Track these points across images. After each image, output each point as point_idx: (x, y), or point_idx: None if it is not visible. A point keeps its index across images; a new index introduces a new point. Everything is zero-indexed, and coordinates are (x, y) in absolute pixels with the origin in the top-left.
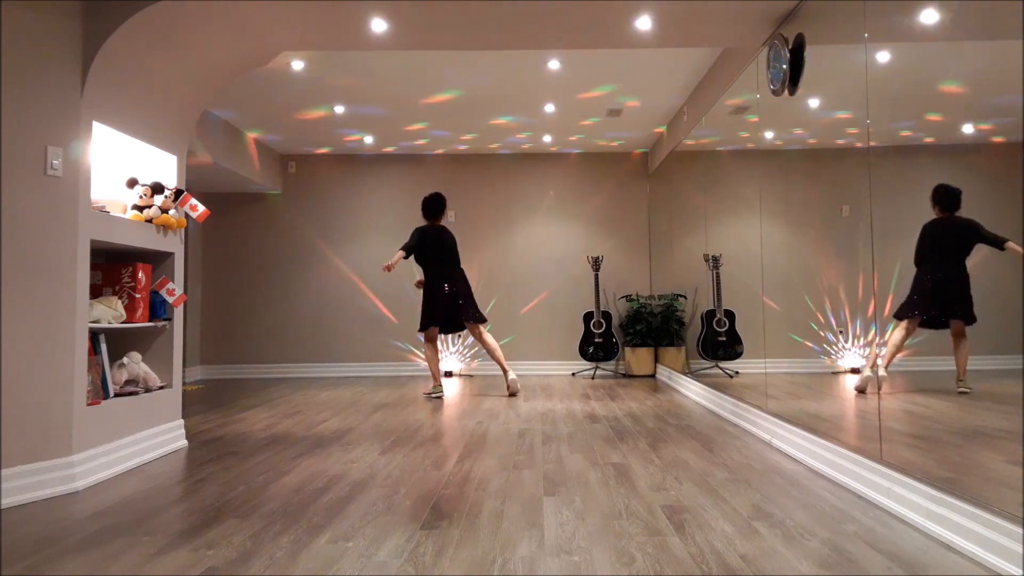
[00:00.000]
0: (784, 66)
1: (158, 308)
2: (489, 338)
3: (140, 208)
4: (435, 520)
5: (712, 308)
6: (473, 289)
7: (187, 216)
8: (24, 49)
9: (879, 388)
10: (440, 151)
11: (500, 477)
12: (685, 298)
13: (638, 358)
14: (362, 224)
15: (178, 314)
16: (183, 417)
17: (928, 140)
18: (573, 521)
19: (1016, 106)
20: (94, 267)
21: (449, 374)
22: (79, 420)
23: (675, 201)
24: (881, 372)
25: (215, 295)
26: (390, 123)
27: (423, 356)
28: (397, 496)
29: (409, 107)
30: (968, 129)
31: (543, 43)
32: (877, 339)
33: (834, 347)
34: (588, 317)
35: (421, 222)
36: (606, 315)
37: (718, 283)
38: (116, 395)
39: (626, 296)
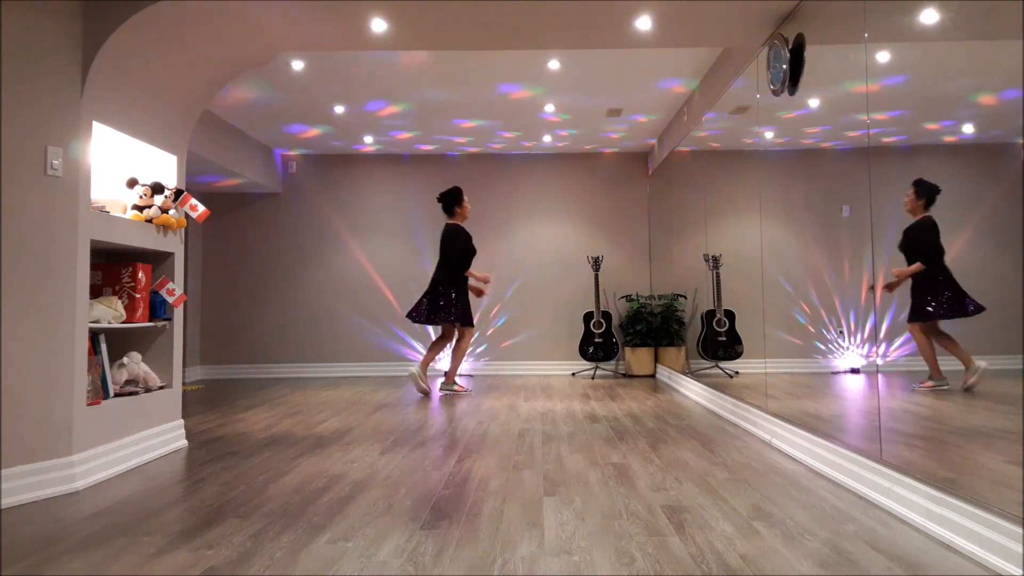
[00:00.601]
0: (784, 66)
1: (158, 308)
2: (461, 341)
3: (140, 208)
4: (435, 520)
5: (712, 308)
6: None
7: (187, 216)
8: (24, 49)
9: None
10: (440, 151)
11: (500, 477)
12: (685, 298)
13: (638, 358)
14: (362, 224)
15: (178, 314)
16: (183, 417)
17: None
18: (573, 521)
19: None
20: (94, 267)
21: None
22: (79, 420)
23: (675, 201)
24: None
25: (215, 295)
26: (390, 123)
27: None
28: (397, 496)
29: (409, 107)
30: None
31: (543, 43)
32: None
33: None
34: (588, 317)
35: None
36: (606, 315)
37: (718, 283)
38: (116, 395)
39: (626, 296)
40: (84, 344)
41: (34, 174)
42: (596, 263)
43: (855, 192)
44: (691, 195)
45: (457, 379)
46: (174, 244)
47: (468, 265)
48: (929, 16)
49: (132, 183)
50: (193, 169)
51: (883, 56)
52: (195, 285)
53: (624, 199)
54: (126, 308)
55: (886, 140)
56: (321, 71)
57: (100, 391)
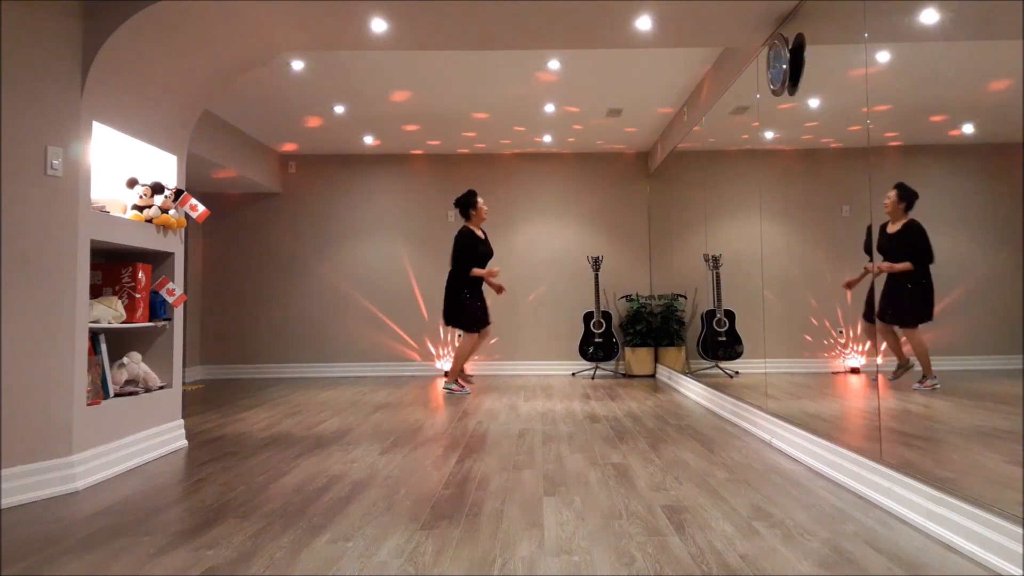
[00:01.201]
0: (784, 66)
1: (158, 308)
2: (461, 342)
3: (140, 208)
4: (435, 520)
5: (712, 308)
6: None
7: (187, 216)
8: (24, 49)
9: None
10: (440, 151)
11: (500, 477)
12: (685, 298)
13: (638, 358)
14: (362, 224)
15: (178, 314)
16: (183, 417)
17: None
18: (573, 521)
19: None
20: (94, 267)
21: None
22: (79, 420)
23: (675, 201)
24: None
25: (215, 295)
26: (390, 123)
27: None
28: (397, 496)
29: (409, 107)
30: (968, 129)
31: (543, 43)
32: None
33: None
34: (588, 317)
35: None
36: (606, 315)
37: (718, 283)
38: (116, 395)
39: (626, 296)
40: (84, 344)
41: (34, 174)
42: (596, 263)
43: (855, 192)
44: (691, 195)
45: (457, 380)
46: (174, 244)
47: (482, 267)
48: (929, 16)
49: (132, 183)
50: (193, 169)
51: (883, 56)
52: (195, 285)
53: (624, 199)
54: (126, 308)
55: (886, 140)
56: (321, 71)
57: (100, 391)
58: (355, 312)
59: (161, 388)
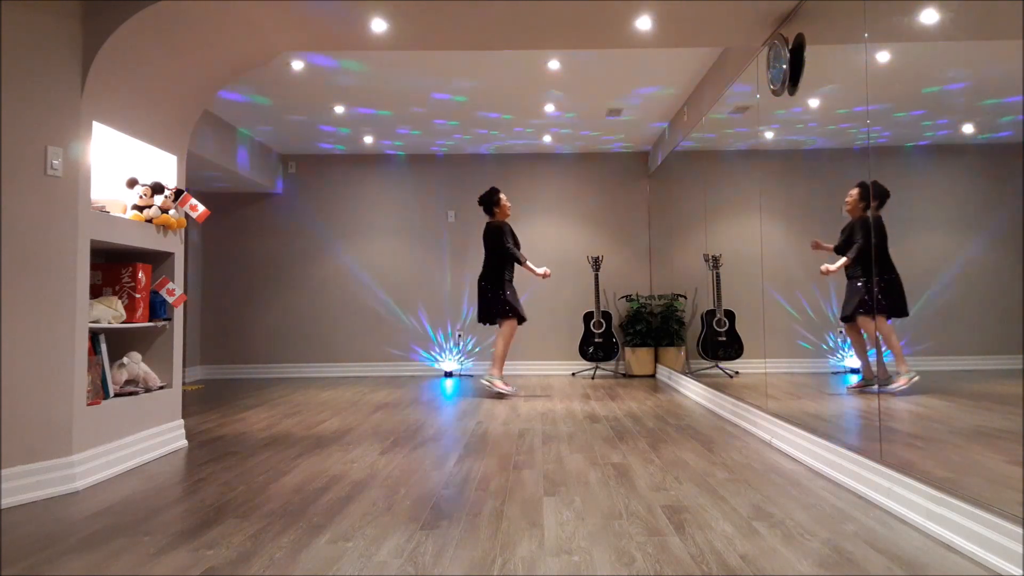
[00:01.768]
0: (784, 66)
1: (158, 308)
2: (504, 333)
3: (140, 208)
4: (435, 520)
5: (712, 308)
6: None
7: (187, 216)
8: (24, 49)
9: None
10: (440, 151)
11: (500, 477)
12: (685, 298)
13: (638, 358)
14: (362, 224)
15: (178, 314)
16: (183, 417)
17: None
18: (573, 521)
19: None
20: (94, 267)
21: (449, 374)
22: (79, 420)
23: (675, 201)
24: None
25: (215, 295)
26: (390, 123)
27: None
28: (397, 496)
29: (409, 107)
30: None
31: (543, 43)
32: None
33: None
34: (588, 317)
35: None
36: (606, 315)
37: (718, 283)
38: (116, 395)
39: (626, 296)
40: (84, 344)
41: (34, 174)
42: (596, 263)
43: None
44: (691, 195)
45: (499, 378)
46: (174, 244)
47: (510, 259)
48: (929, 16)
49: (132, 183)
50: (193, 169)
51: (883, 56)
52: (195, 285)
53: (624, 199)
54: (126, 308)
55: (885, 140)
56: (321, 71)
57: (100, 391)
58: (355, 312)
59: (161, 388)
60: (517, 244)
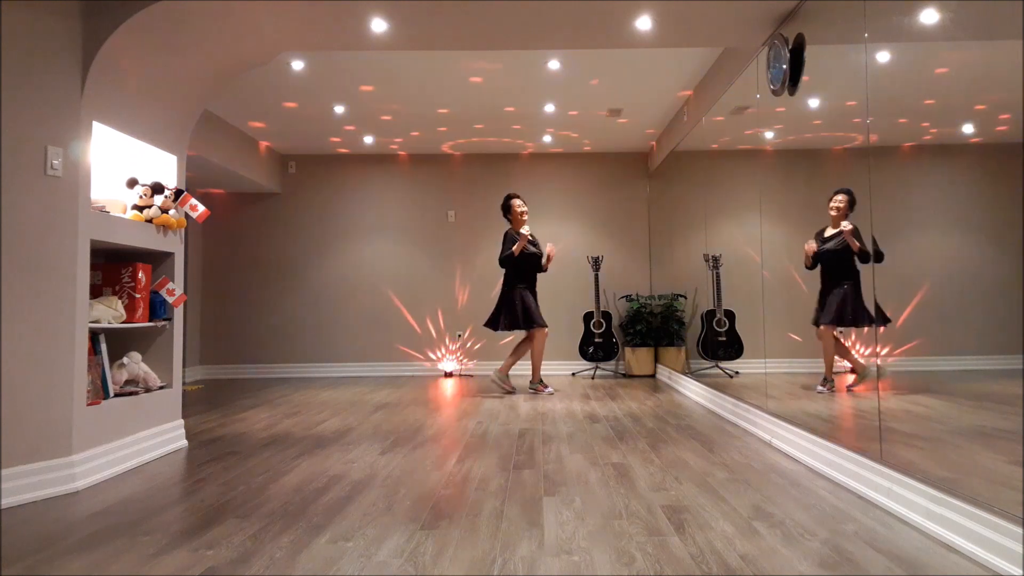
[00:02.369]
0: (784, 66)
1: (158, 308)
2: (537, 341)
3: (140, 208)
4: (435, 520)
5: (712, 308)
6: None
7: (187, 216)
8: (24, 49)
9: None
10: (440, 151)
11: (500, 477)
12: (685, 298)
13: (638, 358)
14: (362, 224)
15: (178, 314)
16: (183, 417)
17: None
18: (573, 521)
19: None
20: (94, 267)
21: (449, 375)
22: (79, 420)
23: (675, 201)
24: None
25: (215, 295)
26: (390, 123)
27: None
28: (397, 496)
29: (409, 107)
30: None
31: (543, 43)
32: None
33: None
34: (588, 317)
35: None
36: (606, 315)
37: (718, 283)
38: (116, 395)
39: (626, 296)
40: (84, 344)
41: (34, 174)
42: (596, 263)
43: (855, 192)
44: (691, 195)
45: (541, 380)
46: (174, 244)
47: (522, 267)
48: (929, 16)
49: (132, 183)
50: (193, 169)
51: (883, 56)
52: (195, 285)
53: (624, 199)
54: (126, 308)
55: (885, 140)
56: (321, 71)
57: (100, 391)
58: (355, 312)
59: (161, 388)
60: (533, 254)
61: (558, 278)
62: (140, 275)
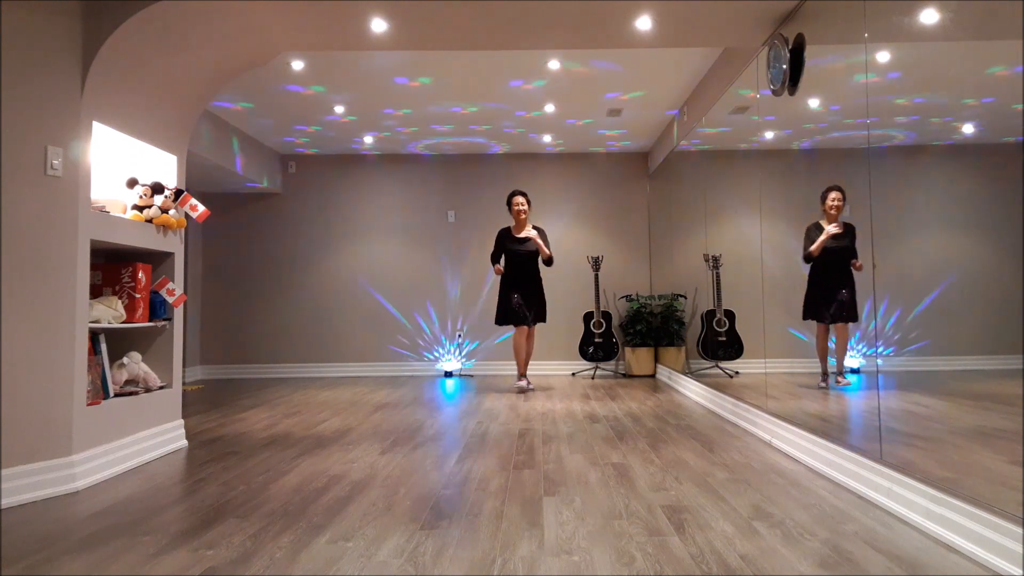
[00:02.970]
0: (784, 66)
1: (158, 308)
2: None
3: (140, 208)
4: (435, 520)
5: (712, 308)
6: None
7: (187, 216)
8: (24, 49)
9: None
10: (440, 151)
11: (500, 477)
12: (685, 298)
13: (638, 358)
14: (362, 224)
15: (178, 314)
16: (183, 417)
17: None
18: (573, 521)
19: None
20: (94, 267)
21: (449, 374)
22: (79, 420)
23: (675, 201)
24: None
25: (215, 295)
26: (390, 123)
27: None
28: (397, 496)
29: (409, 107)
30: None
31: (543, 43)
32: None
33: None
34: (588, 317)
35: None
36: (606, 315)
37: (718, 283)
38: (116, 395)
39: (626, 296)
40: (84, 344)
41: (34, 174)
42: (596, 263)
43: (855, 192)
44: (691, 195)
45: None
46: (174, 244)
47: (508, 265)
48: (929, 16)
49: (132, 183)
50: (193, 169)
51: (883, 56)
52: (195, 285)
53: (624, 199)
54: (126, 308)
55: (885, 140)
56: (321, 71)
57: (100, 391)
58: (355, 312)
59: (161, 388)
60: (523, 252)
61: (558, 278)
62: (140, 275)
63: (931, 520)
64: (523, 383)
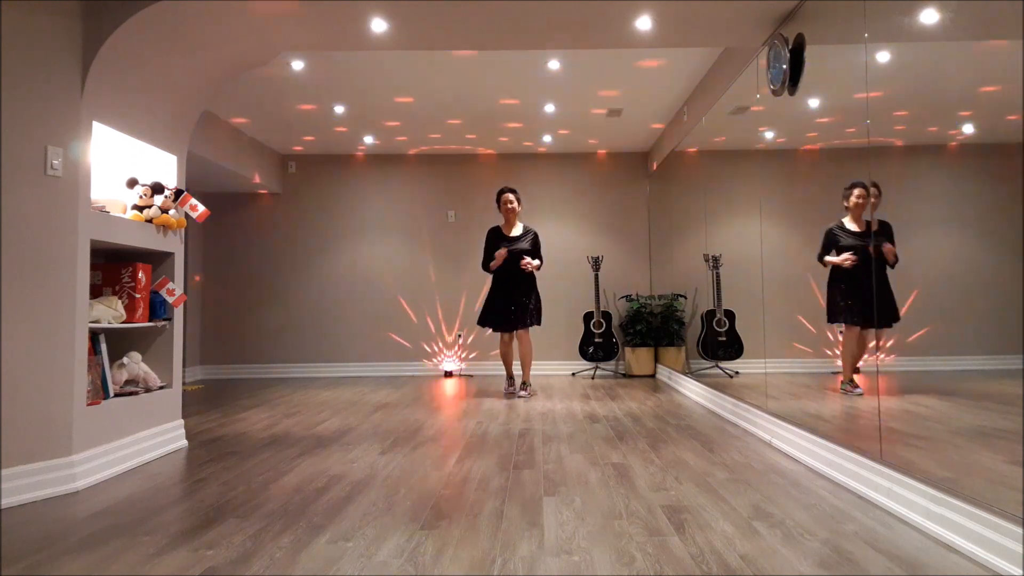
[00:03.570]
0: (784, 66)
1: (158, 308)
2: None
3: (140, 208)
4: (435, 520)
5: (712, 308)
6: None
7: (187, 216)
8: (24, 49)
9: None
10: (440, 151)
11: (500, 477)
12: (685, 298)
13: (638, 358)
14: (362, 224)
15: (178, 314)
16: (183, 417)
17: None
18: (573, 521)
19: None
20: (94, 267)
21: (449, 374)
22: (79, 420)
23: (675, 201)
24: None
25: (215, 295)
26: (390, 123)
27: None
28: (397, 496)
29: (409, 107)
30: (968, 129)
31: (543, 43)
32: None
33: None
34: (588, 317)
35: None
36: (606, 315)
37: (718, 283)
38: (116, 395)
39: (626, 296)
40: (84, 344)
41: (34, 174)
42: (596, 263)
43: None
44: (691, 195)
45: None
46: (174, 244)
47: (501, 265)
48: (929, 16)
49: (132, 183)
50: (193, 169)
51: (883, 56)
52: (195, 285)
53: (624, 199)
54: (126, 308)
55: (885, 140)
56: (321, 71)
57: (100, 391)
58: (355, 312)
59: (161, 388)
60: (494, 248)
61: (558, 278)
62: (140, 275)
63: (931, 520)
64: (512, 388)
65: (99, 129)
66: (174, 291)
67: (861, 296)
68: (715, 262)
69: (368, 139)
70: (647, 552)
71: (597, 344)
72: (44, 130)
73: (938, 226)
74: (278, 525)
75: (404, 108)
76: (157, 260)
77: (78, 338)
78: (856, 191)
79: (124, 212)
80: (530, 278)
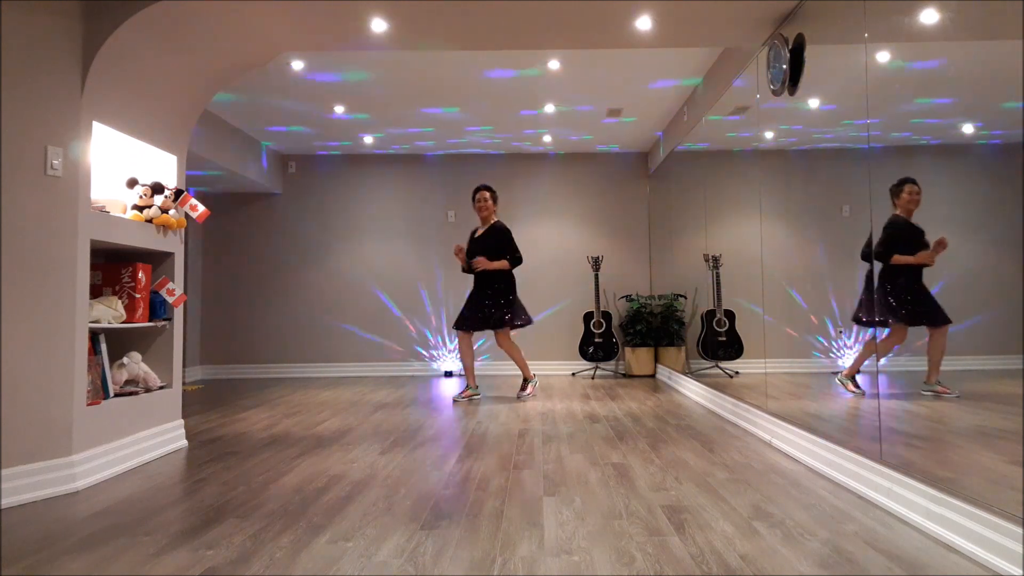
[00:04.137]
0: (784, 66)
1: (158, 308)
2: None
3: (140, 208)
4: (435, 520)
5: (712, 308)
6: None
7: (187, 216)
8: (24, 49)
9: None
10: (440, 151)
11: (500, 477)
12: (685, 298)
13: (638, 358)
14: (362, 224)
15: (178, 314)
16: (183, 417)
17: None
18: (573, 521)
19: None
20: (94, 267)
21: (449, 374)
22: (79, 420)
23: (675, 201)
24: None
25: (215, 295)
26: (390, 123)
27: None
28: (397, 496)
29: (409, 107)
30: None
31: (543, 43)
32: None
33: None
34: (588, 317)
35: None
36: (606, 315)
37: (718, 283)
38: (116, 395)
39: (626, 296)
40: (84, 344)
41: (34, 174)
42: (596, 263)
43: (855, 192)
44: (691, 195)
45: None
46: (174, 244)
47: (469, 264)
48: (929, 16)
49: (132, 183)
50: (193, 169)
51: (883, 56)
52: (195, 285)
53: (624, 199)
54: (126, 308)
55: (885, 140)
56: (321, 70)
57: (100, 391)
58: (355, 312)
59: (161, 388)
60: (478, 250)
61: (558, 278)
62: (140, 275)
63: (931, 520)
64: (463, 394)
65: (99, 129)
66: (174, 291)
67: (919, 295)
68: (715, 262)
69: (368, 139)
70: (647, 552)
71: (597, 344)
72: (44, 130)
73: (938, 226)
74: (278, 525)
75: (404, 108)
76: (157, 260)
77: (78, 338)
78: (907, 187)
79: (124, 212)
80: (493, 278)
